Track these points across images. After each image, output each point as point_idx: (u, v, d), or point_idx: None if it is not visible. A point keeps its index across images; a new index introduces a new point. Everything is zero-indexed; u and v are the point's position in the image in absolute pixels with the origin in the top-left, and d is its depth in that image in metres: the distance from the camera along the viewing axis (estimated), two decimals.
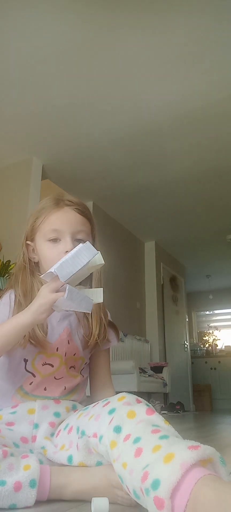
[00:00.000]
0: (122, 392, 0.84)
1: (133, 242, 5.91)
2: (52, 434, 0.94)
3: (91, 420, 0.81)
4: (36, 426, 0.93)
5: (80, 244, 0.84)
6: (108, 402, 0.81)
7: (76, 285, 0.86)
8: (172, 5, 2.37)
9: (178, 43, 2.64)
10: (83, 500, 0.81)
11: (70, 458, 0.84)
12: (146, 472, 0.60)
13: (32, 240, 1.05)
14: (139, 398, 0.80)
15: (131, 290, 5.59)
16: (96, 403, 0.87)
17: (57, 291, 0.82)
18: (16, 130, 3.54)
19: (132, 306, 5.56)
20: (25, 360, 0.98)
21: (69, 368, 1.02)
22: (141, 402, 0.79)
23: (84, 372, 1.07)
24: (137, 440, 0.67)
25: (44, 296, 0.83)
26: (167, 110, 3.29)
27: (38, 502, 0.78)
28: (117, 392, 0.84)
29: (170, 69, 2.86)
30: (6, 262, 3.20)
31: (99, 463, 0.81)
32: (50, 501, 0.79)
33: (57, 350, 0.99)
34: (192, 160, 4.02)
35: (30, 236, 1.05)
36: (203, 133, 3.58)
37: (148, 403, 0.79)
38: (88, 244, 0.84)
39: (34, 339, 0.94)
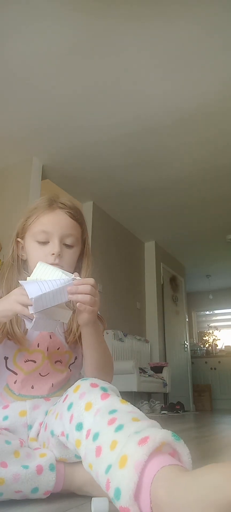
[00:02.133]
0: (123, 392, 0.84)
1: (133, 242, 5.91)
2: (38, 434, 0.95)
3: (57, 419, 0.82)
4: (30, 427, 0.94)
5: (68, 279, 0.83)
6: (67, 396, 0.81)
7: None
8: (172, 5, 2.38)
9: (178, 42, 2.64)
10: (85, 495, 0.83)
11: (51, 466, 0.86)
12: (108, 480, 0.60)
13: (22, 238, 1.05)
14: (94, 382, 0.80)
15: (131, 290, 5.59)
16: (60, 398, 0.87)
17: (25, 305, 0.81)
18: (16, 130, 3.54)
19: (132, 306, 5.56)
20: (6, 358, 0.99)
21: (55, 362, 1.01)
22: (96, 386, 0.78)
23: (74, 367, 1.06)
24: (96, 436, 0.67)
25: (11, 303, 0.83)
26: (167, 110, 3.29)
27: (38, 502, 0.79)
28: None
29: (169, 68, 2.86)
30: None
31: (77, 456, 0.82)
32: (50, 501, 0.80)
33: (38, 346, 1.00)
34: (192, 160, 4.02)
35: (21, 234, 1.05)
36: (203, 132, 3.58)
37: (104, 386, 0.78)
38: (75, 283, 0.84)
39: (11, 335, 0.95)
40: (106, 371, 1.00)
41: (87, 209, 4.82)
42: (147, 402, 4.92)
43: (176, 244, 6.35)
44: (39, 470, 0.79)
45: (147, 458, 0.56)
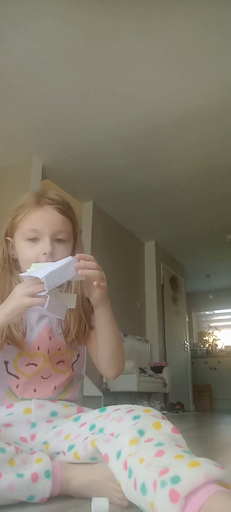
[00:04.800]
0: (123, 392, 0.84)
1: (133, 242, 5.91)
2: (54, 427, 0.94)
3: (113, 421, 0.81)
4: (33, 425, 0.93)
5: (70, 257, 0.84)
6: (133, 410, 0.81)
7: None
8: (173, 4, 2.37)
9: (178, 42, 2.63)
10: (83, 497, 0.82)
11: (70, 447, 0.86)
12: (166, 468, 0.60)
13: (11, 236, 1.02)
14: (164, 416, 0.80)
15: (131, 290, 5.58)
16: (118, 407, 0.87)
17: (34, 295, 0.80)
18: (16, 130, 3.54)
19: (132, 306, 5.56)
20: (6, 363, 0.97)
21: (57, 363, 1.00)
22: (166, 419, 0.79)
23: (76, 366, 1.05)
24: (159, 444, 0.67)
25: (18, 299, 0.81)
26: (167, 109, 3.29)
27: (37, 503, 0.79)
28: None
29: (170, 67, 2.86)
30: None
31: (93, 458, 0.83)
32: (49, 501, 0.80)
33: (38, 349, 0.98)
34: (192, 160, 4.01)
35: (10, 233, 1.02)
36: (203, 132, 3.58)
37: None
38: (76, 260, 0.84)
39: (11, 339, 0.93)
40: (119, 355, 1.00)
41: (87, 209, 4.82)
42: (147, 402, 4.92)
43: (176, 244, 6.35)
44: (35, 478, 0.77)
45: (217, 479, 0.57)
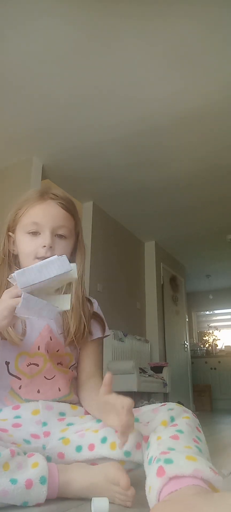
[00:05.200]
0: (123, 392, 0.85)
1: (133, 242, 5.91)
2: (69, 424, 0.92)
3: (147, 412, 0.88)
4: (44, 424, 0.92)
5: (55, 256, 0.81)
6: (166, 404, 0.88)
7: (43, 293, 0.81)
8: (173, 4, 2.37)
9: (178, 42, 2.63)
10: (83, 499, 0.81)
11: (104, 439, 0.86)
12: (168, 451, 0.70)
13: (13, 231, 1.02)
14: (194, 414, 0.87)
15: (131, 290, 5.58)
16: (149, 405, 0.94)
17: (16, 296, 0.79)
18: (16, 130, 3.53)
19: (132, 306, 5.55)
20: (7, 363, 0.96)
21: (57, 364, 0.99)
22: (195, 416, 0.86)
23: (75, 368, 1.04)
24: (180, 431, 0.75)
25: (4, 301, 0.81)
26: (167, 109, 3.29)
27: (37, 503, 0.79)
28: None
29: (170, 67, 2.85)
30: None
31: (127, 454, 0.83)
32: (49, 501, 0.79)
33: (38, 349, 0.97)
34: (192, 160, 4.01)
35: (12, 227, 1.02)
36: (203, 132, 3.58)
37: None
38: (63, 258, 0.81)
39: (6, 336, 0.93)
40: None
41: (87, 209, 4.82)
42: (147, 402, 4.92)
43: (176, 244, 6.35)
44: (29, 484, 0.74)
45: (206, 479, 0.64)
